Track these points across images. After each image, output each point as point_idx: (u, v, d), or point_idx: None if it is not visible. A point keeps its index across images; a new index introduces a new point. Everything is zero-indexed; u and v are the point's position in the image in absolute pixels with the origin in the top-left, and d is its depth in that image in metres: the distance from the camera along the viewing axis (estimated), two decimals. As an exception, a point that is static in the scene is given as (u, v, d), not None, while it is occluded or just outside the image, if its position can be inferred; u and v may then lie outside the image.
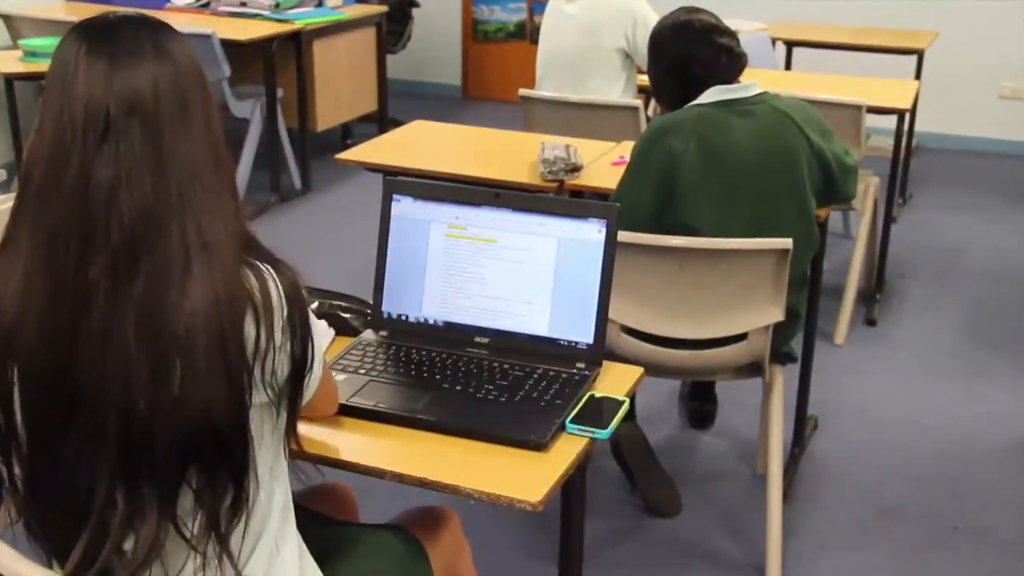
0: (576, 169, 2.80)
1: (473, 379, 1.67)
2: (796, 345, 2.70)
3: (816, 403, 3.09)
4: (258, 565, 1.30)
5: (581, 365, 1.72)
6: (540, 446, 1.52)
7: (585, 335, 1.74)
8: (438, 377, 1.68)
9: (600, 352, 1.74)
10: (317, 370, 1.32)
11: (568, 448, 1.54)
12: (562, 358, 1.73)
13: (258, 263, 1.23)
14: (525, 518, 2.67)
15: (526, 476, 1.47)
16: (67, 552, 1.21)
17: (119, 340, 1.15)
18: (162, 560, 1.25)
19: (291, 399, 1.27)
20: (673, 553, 2.65)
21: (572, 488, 1.59)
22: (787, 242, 2.32)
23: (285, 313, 1.22)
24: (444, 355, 1.74)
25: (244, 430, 1.20)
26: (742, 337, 2.46)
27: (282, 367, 1.24)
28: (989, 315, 4.01)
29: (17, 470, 1.23)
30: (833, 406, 3.28)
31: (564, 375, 1.69)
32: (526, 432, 1.54)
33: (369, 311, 1.85)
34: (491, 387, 1.65)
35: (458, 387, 1.66)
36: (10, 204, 2.42)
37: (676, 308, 2.40)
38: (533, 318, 1.76)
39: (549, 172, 2.79)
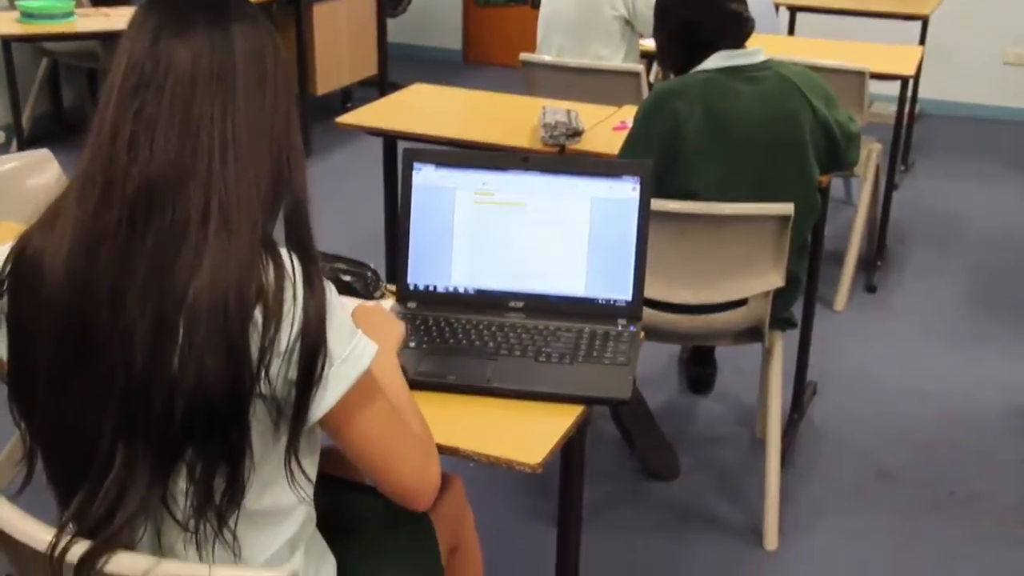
0: (577, 134, 2.79)
1: (527, 344, 1.68)
2: (796, 311, 2.70)
3: (815, 369, 3.10)
4: (257, 556, 1.30)
5: (623, 321, 1.75)
6: (624, 403, 1.59)
7: (623, 292, 1.76)
8: (491, 345, 1.68)
9: (639, 307, 1.76)
10: (332, 394, 1.23)
11: (568, 410, 1.55)
12: (602, 316, 1.75)
13: (288, 262, 1.20)
14: (523, 481, 2.69)
15: (526, 438, 1.48)
16: (71, 500, 1.22)
17: (127, 292, 1.15)
18: (157, 527, 1.25)
19: (295, 416, 1.21)
20: (671, 516, 2.67)
21: (572, 451, 1.60)
22: (788, 208, 2.32)
23: (295, 328, 1.18)
24: (486, 322, 1.73)
25: (240, 413, 1.17)
26: (742, 303, 2.46)
27: (282, 378, 1.19)
28: (989, 282, 4.02)
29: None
30: (832, 372, 3.29)
31: (613, 333, 1.71)
32: (608, 391, 1.59)
33: (371, 273, 1.85)
34: (548, 351, 1.66)
35: (517, 353, 1.66)
36: (9, 166, 2.43)
37: (676, 273, 2.40)
38: (568, 279, 1.77)
39: (550, 137, 2.78)
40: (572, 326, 1.73)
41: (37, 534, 1.21)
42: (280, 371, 1.18)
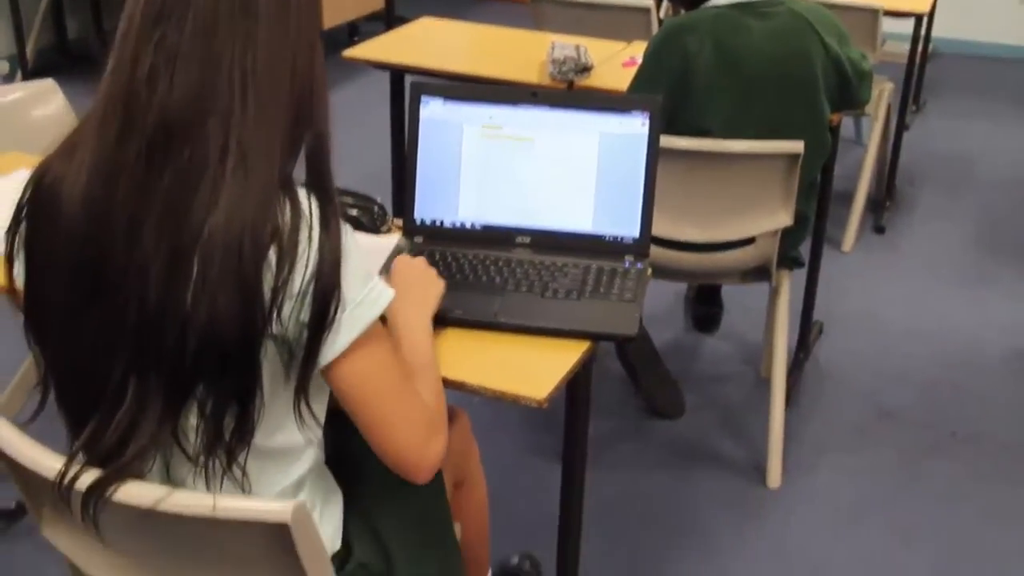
0: (586, 69, 2.76)
1: (534, 280, 1.68)
2: (803, 251, 2.70)
3: (821, 309, 3.10)
4: (265, 493, 1.31)
5: (630, 258, 1.74)
6: (630, 339, 1.59)
7: (631, 229, 1.76)
8: (497, 280, 1.68)
9: (647, 244, 1.76)
10: (344, 337, 1.21)
11: (574, 346, 1.55)
12: (609, 253, 1.75)
13: (306, 203, 1.18)
14: (529, 416, 2.70)
15: (532, 373, 1.48)
16: (82, 430, 1.22)
17: (143, 225, 1.15)
18: (166, 460, 1.26)
19: (305, 358, 1.21)
20: (675, 454, 2.69)
21: (577, 386, 1.60)
22: (798, 146, 2.30)
23: (309, 270, 1.17)
24: (492, 257, 1.73)
25: (251, 354, 1.17)
26: (750, 241, 2.46)
27: (294, 320, 1.19)
28: (998, 224, 4.00)
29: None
30: (838, 312, 3.29)
31: (620, 269, 1.71)
32: (615, 327, 1.59)
33: (377, 208, 1.85)
34: (555, 286, 1.66)
35: (524, 289, 1.66)
36: (14, 96, 2.42)
37: (684, 211, 2.39)
38: (576, 215, 1.77)
39: (559, 72, 2.75)
40: (579, 262, 1.72)
41: (46, 462, 1.22)
42: (292, 313, 1.18)
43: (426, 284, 1.55)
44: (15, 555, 2.29)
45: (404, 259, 1.60)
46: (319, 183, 1.22)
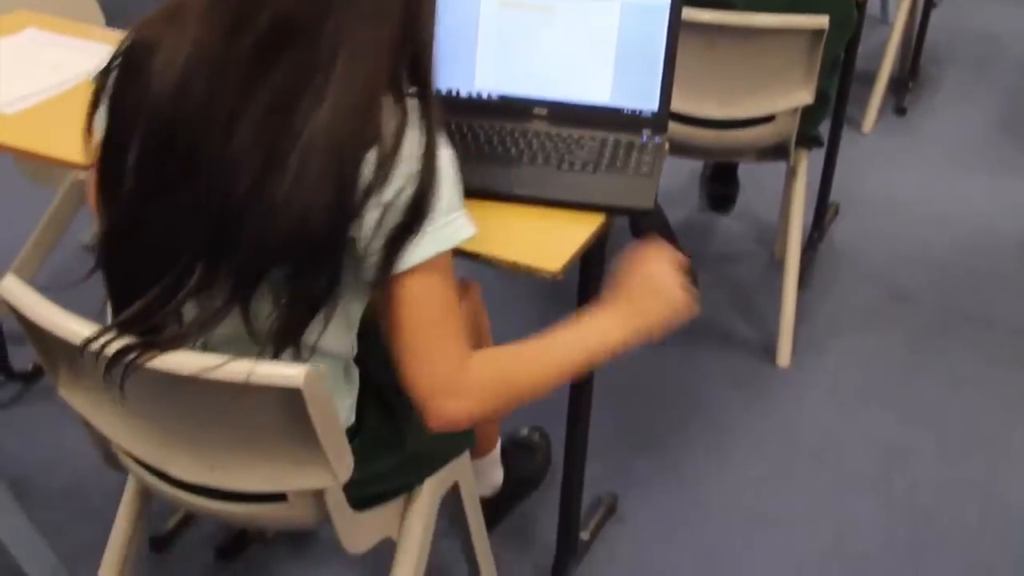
0: (608, -63, 2.68)
1: (550, 152, 1.66)
2: (823, 130, 2.66)
3: (839, 190, 3.08)
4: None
5: (648, 132, 1.72)
6: (647, 213, 1.58)
7: (649, 103, 1.73)
8: (513, 151, 1.66)
9: (665, 119, 1.73)
10: (414, 255, 1.19)
11: (589, 219, 1.54)
12: (627, 126, 1.72)
13: (413, 113, 1.16)
14: (539, 292, 2.71)
15: (546, 245, 1.48)
16: (127, 301, 1.21)
17: (245, 122, 1.13)
18: (203, 342, 1.26)
19: (381, 267, 1.19)
20: (686, 331, 2.67)
21: (591, 261, 1.60)
22: (823, 20, 2.25)
23: (403, 180, 1.14)
24: (508, 128, 1.71)
25: (335, 255, 1.16)
26: (769, 119, 2.42)
27: (376, 228, 1.16)
28: (1022, 109, 3.93)
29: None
30: (856, 194, 3.27)
31: (637, 143, 1.69)
32: (630, 200, 1.58)
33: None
34: (571, 159, 1.65)
35: (540, 161, 1.64)
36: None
37: (703, 86, 2.35)
38: (594, 87, 1.73)
39: (580, -60, 2.67)
40: (596, 135, 1.70)
41: (62, 323, 1.23)
42: (377, 221, 1.16)
43: (655, 298, 1.40)
44: (33, 415, 2.33)
45: (652, 250, 1.45)
46: (423, 90, 1.20)
